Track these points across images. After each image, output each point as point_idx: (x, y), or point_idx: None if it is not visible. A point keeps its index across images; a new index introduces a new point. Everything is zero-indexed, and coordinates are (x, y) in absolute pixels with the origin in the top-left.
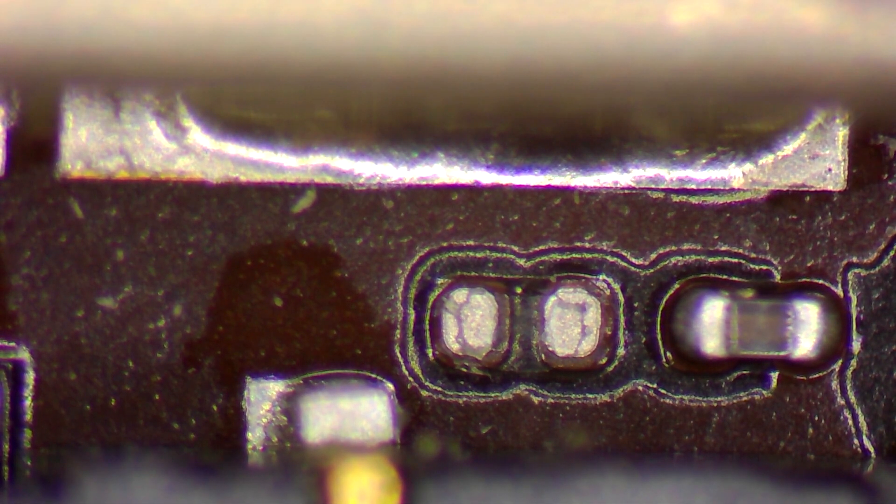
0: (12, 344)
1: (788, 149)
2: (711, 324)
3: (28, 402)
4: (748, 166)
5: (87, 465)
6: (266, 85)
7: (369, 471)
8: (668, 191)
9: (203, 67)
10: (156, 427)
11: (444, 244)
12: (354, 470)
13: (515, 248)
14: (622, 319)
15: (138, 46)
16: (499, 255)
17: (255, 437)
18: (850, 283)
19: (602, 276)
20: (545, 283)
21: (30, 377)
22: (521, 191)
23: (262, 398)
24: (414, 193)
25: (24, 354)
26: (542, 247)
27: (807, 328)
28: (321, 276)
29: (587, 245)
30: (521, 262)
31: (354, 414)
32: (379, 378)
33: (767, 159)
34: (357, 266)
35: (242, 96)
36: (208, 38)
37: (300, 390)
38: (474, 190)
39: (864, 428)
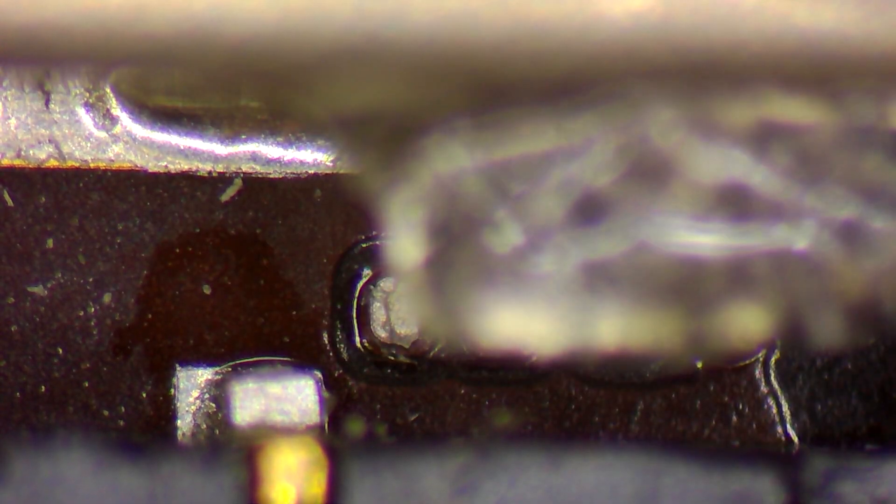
0: None
1: None
2: None
3: None
4: None
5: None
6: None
7: (296, 450)
8: None
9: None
10: (85, 414)
11: (372, 233)
12: (281, 449)
13: None
14: None
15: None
16: None
17: (184, 424)
18: None
19: None
20: None
21: None
22: None
23: (191, 386)
24: (342, 182)
25: None
26: None
27: None
28: (249, 264)
29: None
30: None
31: (282, 398)
32: (307, 366)
33: None
34: (285, 254)
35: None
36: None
37: (228, 377)
38: None
39: (788, 416)
